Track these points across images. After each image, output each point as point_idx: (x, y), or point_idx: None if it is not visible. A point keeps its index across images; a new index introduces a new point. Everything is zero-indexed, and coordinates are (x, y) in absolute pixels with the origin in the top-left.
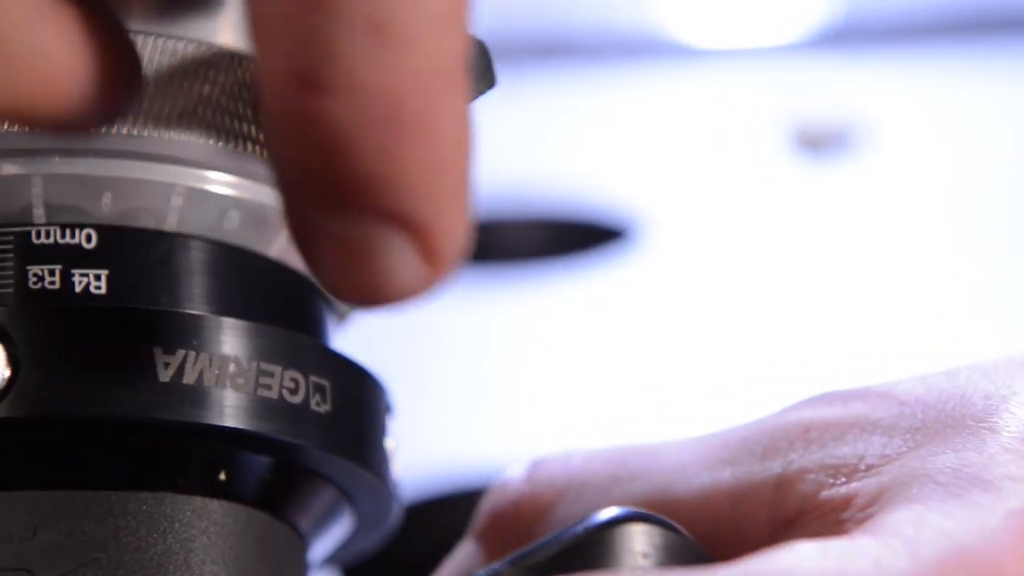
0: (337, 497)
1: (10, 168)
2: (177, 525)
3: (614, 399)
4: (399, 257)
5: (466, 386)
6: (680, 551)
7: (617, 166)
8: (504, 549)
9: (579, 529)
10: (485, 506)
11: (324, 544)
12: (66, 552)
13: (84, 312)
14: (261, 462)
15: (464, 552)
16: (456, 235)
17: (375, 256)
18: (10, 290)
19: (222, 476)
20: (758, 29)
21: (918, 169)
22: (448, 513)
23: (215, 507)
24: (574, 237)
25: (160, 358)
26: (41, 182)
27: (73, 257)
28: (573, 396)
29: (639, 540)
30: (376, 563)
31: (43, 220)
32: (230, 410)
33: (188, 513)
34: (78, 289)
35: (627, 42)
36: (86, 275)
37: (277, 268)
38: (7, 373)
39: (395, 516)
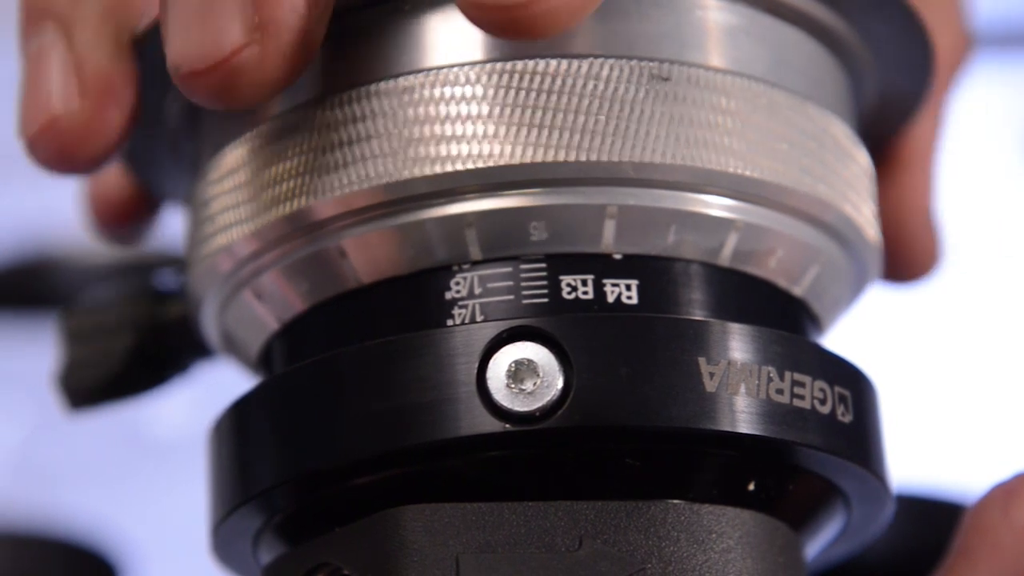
0: (840, 505)
1: (513, 200)
2: (714, 536)
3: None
4: None
5: None
6: None
7: None
8: (994, 565)
9: None
10: (972, 522)
11: (808, 551)
12: (613, 563)
13: (629, 322)
14: (787, 473)
15: (955, 568)
16: None
17: None
18: (545, 300)
19: (751, 487)
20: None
21: None
22: None
23: (747, 518)
24: None
25: (705, 368)
26: (616, 212)
27: (603, 267)
28: None
29: None
30: None
31: (611, 250)
32: (769, 421)
33: (723, 524)
34: (610, 299)
35: None
36: (617, 285)
37: (773, 288)
38: (560, 383)
39: (884, 524)
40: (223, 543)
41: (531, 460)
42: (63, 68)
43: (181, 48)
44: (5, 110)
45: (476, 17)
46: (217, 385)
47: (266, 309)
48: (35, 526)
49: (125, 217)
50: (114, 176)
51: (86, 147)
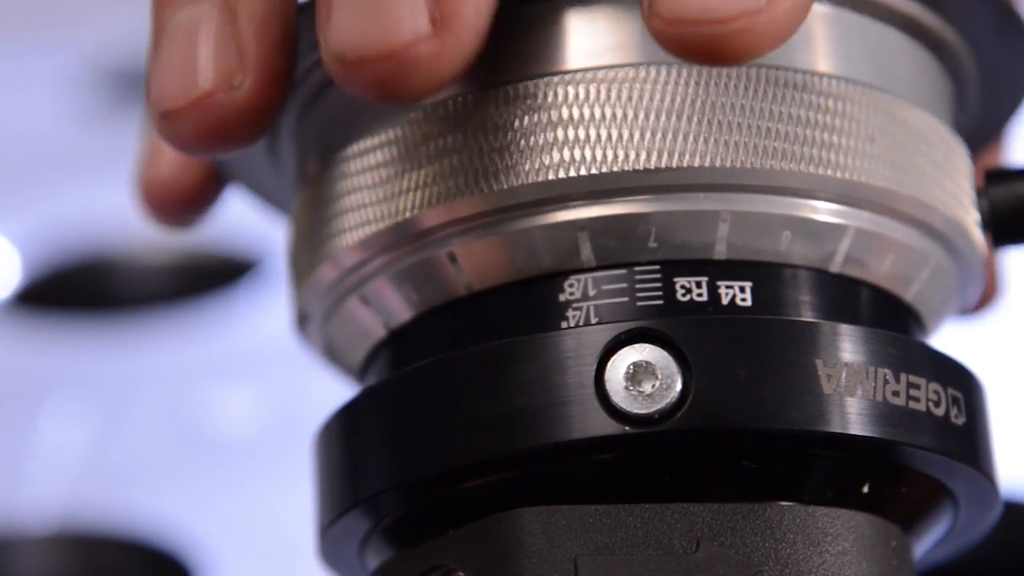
0: (949, 507)
1: (625, 206)
2: (829, 538)
3: None
4: None
5: None
6: None
7: None
8: None
9: None
10: None
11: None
12: (730, 566)
13: (746, 324)
14: (901, 476)
15: None
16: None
17: None
18: (659, 302)
19: (865, 489)
20: None
21: None
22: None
23: (861, 520)
24: None
25: (822, 370)
26: (730, 217)
27: (716, 269)
28: None
29: None
30: None
31: (724, 256)
32: (886, 423)
33: (838, 526)
34: (725, 301)
35: None
36: (731, 287)
37: (883, 293)
38: (679, 385)
39: (990, 526)
40: (330, 547)
41: (648, 462)
42: (223, 42)
43: (350, 34)
44: None
45: (663, 33)
46: (282, 384)
47: (372, 317)
48: (108, 527)
49: (180, 203)
50: (168, 158)
51: (241, 126)
